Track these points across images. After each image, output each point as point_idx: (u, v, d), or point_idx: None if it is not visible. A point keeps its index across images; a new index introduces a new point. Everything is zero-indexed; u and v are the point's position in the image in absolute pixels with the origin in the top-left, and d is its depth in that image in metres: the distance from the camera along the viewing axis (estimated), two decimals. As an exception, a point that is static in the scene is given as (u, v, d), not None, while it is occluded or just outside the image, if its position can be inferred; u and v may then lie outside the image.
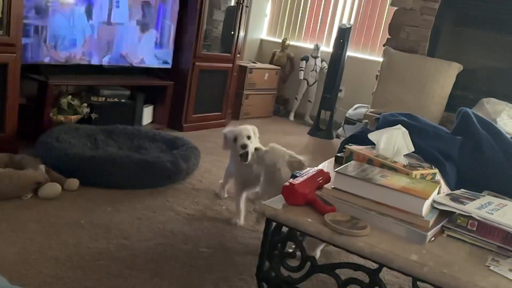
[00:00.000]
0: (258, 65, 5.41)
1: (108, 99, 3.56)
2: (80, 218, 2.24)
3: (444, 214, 1.37)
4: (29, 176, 2.38)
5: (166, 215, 2.43)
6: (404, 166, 1.60)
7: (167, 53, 4.00)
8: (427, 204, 1.32)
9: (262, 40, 6.07)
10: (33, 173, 2.41)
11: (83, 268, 1.83)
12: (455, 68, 3.66)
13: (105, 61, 3.53)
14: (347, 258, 2.15)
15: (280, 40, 5.79)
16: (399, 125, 1.75)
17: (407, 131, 1.72)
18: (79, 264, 1.86)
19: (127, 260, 1.94)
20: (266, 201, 1.43)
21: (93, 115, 3.38)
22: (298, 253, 1.42)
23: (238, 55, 4.69)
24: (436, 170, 1.69)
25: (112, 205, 2.45)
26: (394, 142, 1.68)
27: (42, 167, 2.52)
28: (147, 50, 3.82)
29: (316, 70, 5.42)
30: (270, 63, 5.73)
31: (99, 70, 3.56)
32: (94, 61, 3.46)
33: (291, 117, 5.65)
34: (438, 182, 1.59)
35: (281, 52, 5.72)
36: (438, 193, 1.47)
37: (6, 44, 2.69)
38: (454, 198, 1.42)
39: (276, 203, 1.41)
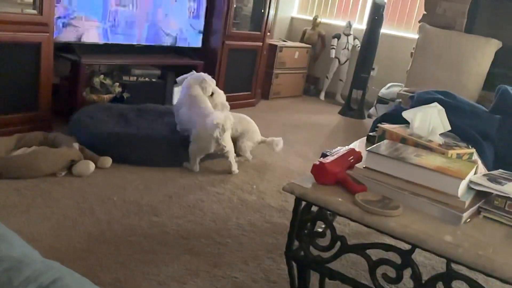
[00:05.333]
0: (289, 43, 5.33)
1: (139, 79, 3.60)
2: (113, 195, 2.28)
3: (480, 195, 1.33)
4: (63, 154, 2.43)
5: (196, 194, 2.45)
6: (440, 145, 1.55)
7: (201, 22, 3.99)
8: (463, 184, 1.27)
9: (292, 18, 5.97)
10: (67, 151, 2.46)
11: (116, 244, 1.87)
12: (493, 45, 3.51)
13: (143, 33, 3.58)
14: (378, 239, 2.12)
15: (311, 18, 5.68)
16: (435, 103, 1.69)
17: (443, 109, 1.66)
18: (112, 239, 1.90)
19: (158, 237, 1.97)
20: (296, 180, 1.41)
21: (125, 94, 3.42)
22: (328, 233, 1.40)
23: (268, 34, 4.62)
24: (473, 150, 1.63)
25: (143, 182, 2.49)
26: (430, 120, 1.62)
27: (76, 145, 2.57)
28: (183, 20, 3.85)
29: (348, 48, 5.31)
30: (301, 41, 5.64)
31: (130, 49, 3.59)
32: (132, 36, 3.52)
33: (322, 96, 5.57)
34: (475, 162, 1.53)
35: (312, 30, 5.61)
36: (475, 173, 1.42)
37: (39, 23, 2.72)
38: (492, 179, 1.37)
39: (306, 182, 1.39)
